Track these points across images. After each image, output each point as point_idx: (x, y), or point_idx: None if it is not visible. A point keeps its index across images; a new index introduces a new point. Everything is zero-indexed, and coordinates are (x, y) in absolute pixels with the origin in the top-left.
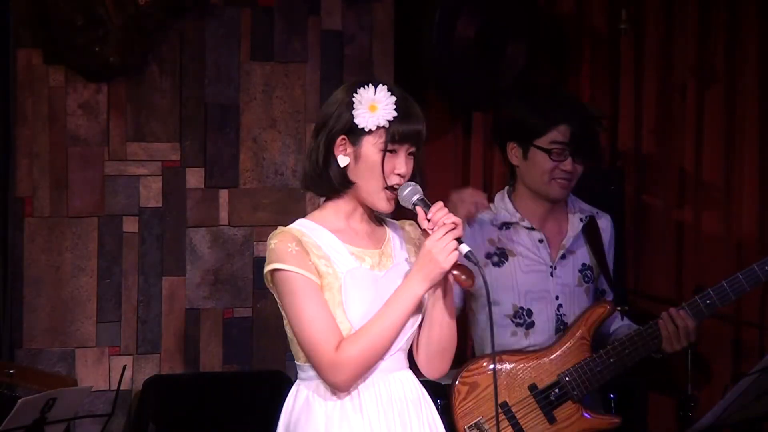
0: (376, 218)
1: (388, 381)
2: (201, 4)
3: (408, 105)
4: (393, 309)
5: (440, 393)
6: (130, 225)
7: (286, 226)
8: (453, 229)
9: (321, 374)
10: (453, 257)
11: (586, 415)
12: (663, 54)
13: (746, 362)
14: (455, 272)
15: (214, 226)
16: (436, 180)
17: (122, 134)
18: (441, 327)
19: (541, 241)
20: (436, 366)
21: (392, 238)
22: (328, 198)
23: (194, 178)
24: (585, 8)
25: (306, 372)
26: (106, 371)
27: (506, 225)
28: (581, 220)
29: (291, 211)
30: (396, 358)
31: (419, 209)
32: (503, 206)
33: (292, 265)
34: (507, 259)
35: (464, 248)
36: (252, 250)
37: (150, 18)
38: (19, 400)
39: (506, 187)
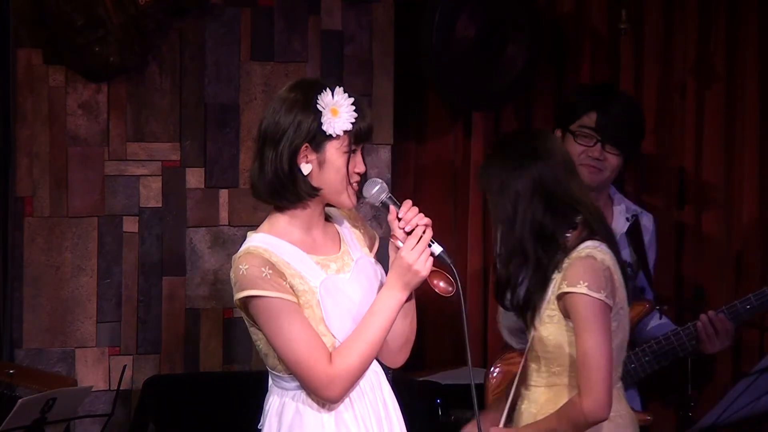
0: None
1: (370, 383)
2: (201, 4)
3: (360, 103)
4: (378, 318)
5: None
6: (130, 225)
7: (246, 246)
8: (424, 231)
9: (315, 391)
10: (430, 263)
11: None
12: (663, 54)
13: (746, 362)
14: (434, 281)
15: (214, 226)
16: (436, 180)
17: (122, 134)
18: (404, 320)
19: None
20: (400, 358)
21: (342, 233)
22: (281, 208)
23: (194, 178)
24: (585, 8)
25: (288, 383)
26: (106, 371)
27: None
28: (627, 219)
29: None
30: None
31: (392, 207)
32: None
33: (269, 290)
34: None
35: (437, 249)
36: None
37: (150, 18)
38: (19, 400)
39: None
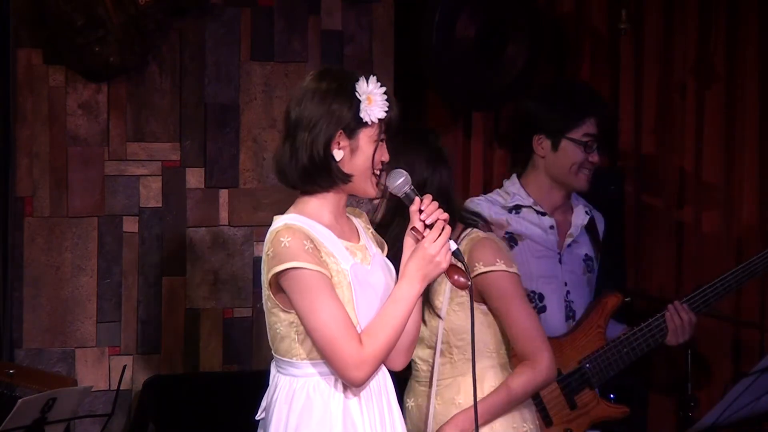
0: None
1: (376, 377)
2: (201, 4)
3: (389, 92)
4: (400, 306)
5: None
6: (130, 225)
7: (284, 221)
8: (443, 227)
9: (342, 371)
10: (449, 257)
11: (603, 401)
12: (663, 54)
13: (746, 362)
14: (453, 275)
15: (214, 226)
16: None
17: (122, 134)
18: (415, 317)
19: (552, 227)
20: (402, 360)
21: (359, 228)
22: (310, 192)
23: (194, 178)
24: (585, 8)
25: (300, 369)
26: (106, 371)
27: (517, 208)
28: (587, 212)
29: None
30: None
31: (416, 199)
32: (515, 190)
33: (312, 263)
34: (516, 244)
35: (452, 245)
36: (252, 250)
37: (150, 18)
38: (19, 400)
39: (513, 175)
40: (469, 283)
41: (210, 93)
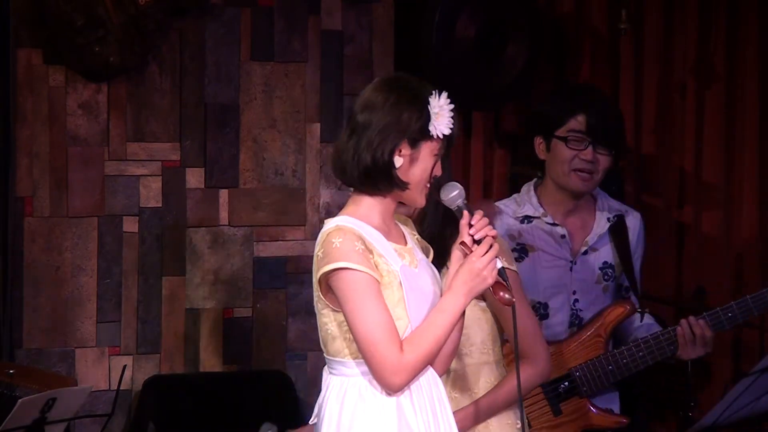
0: None
1: (427, 378)
2: (201, 4)
3: (454, 111)
4: (444, 316)
5: None
6: (130, 225)
7: (336, 223)
8: (491, 243)
9: (380, 375)
10: (495, 273)
11: (593, 410)
12: (663, 54)
13: (746, 362)
14: (498, 292)
15: (214, 226)
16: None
17: (122, 134)
18: (454, 333)
19: (563, 237)
20: (442, 367)
21: (405, 233)
22: (362, 192)
23: (194, 178)
24: (585, 8)
25: (352, 368)
26: (106, 371)
27: (528, 218)
28: (608, 220)
29: (291, 211)
30: None
31: (465, 212)
32: (528, 199)
33: (361, 264)
34: (527, 255)
35: (498, 263)
36: (252, 250)
37: (150, 18)
38: (19, 400)
39: (534, 180)
40: (513, 300)
41: (210, 93)
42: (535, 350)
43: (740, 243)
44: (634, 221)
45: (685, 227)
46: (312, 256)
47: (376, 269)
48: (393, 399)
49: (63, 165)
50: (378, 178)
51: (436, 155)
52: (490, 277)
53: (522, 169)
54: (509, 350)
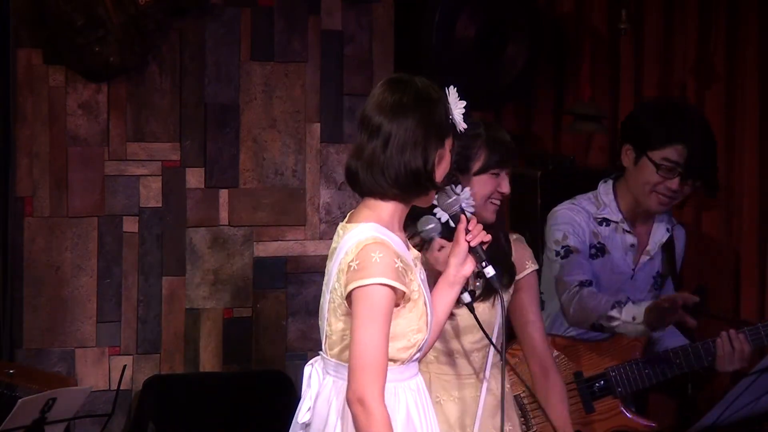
0: None
1: (421, 380)
2: (201, 4)
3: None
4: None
5: None
6: (130, 225)
7: (372, 234)
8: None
9: (348, 392)
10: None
11: (625, 413)
12: (663, 54)
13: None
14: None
15: (214, 226)
16: None
17: (122, 134)
18: (435, 336)
19: (632, 245)
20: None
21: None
22: (386, 198)
23: (194, 178)
24: (585, 8)
25: None
26: (106, 371)
27: (606, 222)
28: (668, 230)
29: (291, 211)
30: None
31: (463, 217)
32: (607, 202)
33: (398, 282)
34: (603, 255)
35: (490, 271)
36: (252, 250)
37: (150, 18)
38: (19, 400)
39: (611, 179)
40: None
41: (210, 93)
42: (551, 360)
43: (740, 243)
44: (680, 234)
45: (684, 227)
46: (313, 256)
47: (409, 287)
48: (404, 407)
49: (63, 165)
50: (421, 183)
51: (451, 151)
52: (459, 284)
53: (521, 169)
54: (527, 346)
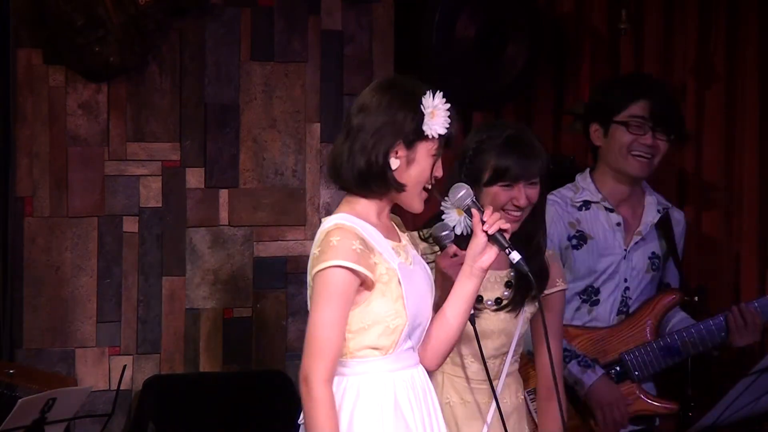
0: None
1: (419, 374)
2: (201, 4)
3: (451, 110)
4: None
5: None
6: (130, 225)
7: (335, 221)
8: (500, 231)
9: (301, 374)
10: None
11: (644, 397)
12: (663, 54)
13: (746, 362)
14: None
15: (214, 226)
16: (437, 179)
17: (122, 134)
18: (460, 328)
19: (618, 224)
20: (439, 361)
21: (398, 230)
22: (357, 194)
23: (194, 178)
24: (585, 8)
25: (350, 368)
26: (106, 371)
27: (586, 204)
28: (659, 211)
29: (291, 211)
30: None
31: (475, 211)
32: (585, 185)
33: (354, 262)
34: (586, 242)
35: (515, 256)
36: (252, 250)
37: (150, 18)
38: (19, 400)
39: (587, 169)
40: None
41: (210, 93)
42: (561, 384)
43: (740, 243)
44: (679, 216)
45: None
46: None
47: (373, 269)
48: (391, 397)
49: (63, 165)
50: (373, 181)
51: (433, 156)
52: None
53: None
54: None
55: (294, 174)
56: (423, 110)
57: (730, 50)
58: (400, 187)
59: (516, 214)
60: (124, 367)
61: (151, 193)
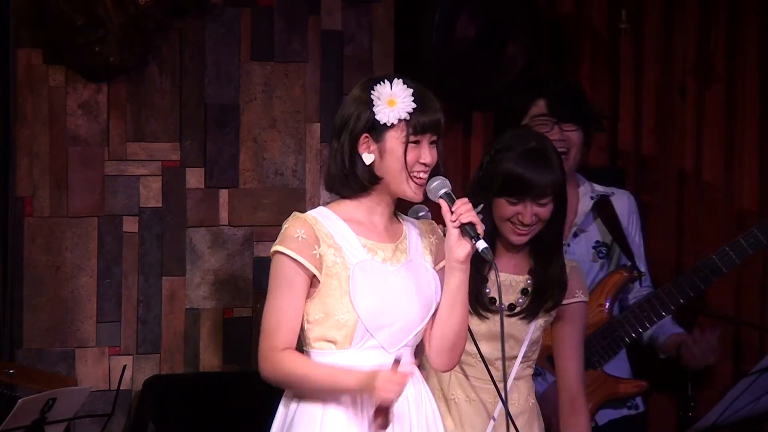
0: (396, 216)
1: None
2: (201, 4)
3: (424, 95)
4: (315, 380)
5: None
6: (130, 225)
7: (296, 212)
8: (469, 223)
9: (258, 359)
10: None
11: (609, 379)
12: (663, 54)
13: (746, 362)
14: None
15: (214, 226)
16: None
17: (122, 134)
18: (458, 324)
19: None
20: (446, 361)
21: (409, 235)
22: (346, 196)
23: (194, 178)
24: (585, 8)
25: (314, 357)
26: (106, 371)
27: None
28: (591, 198)
29: (291, 211)
30: (405, 353)
31: (443, 202)
32: None
33: (293, 251)
34: None
35: (481, 245)
36: (252, 250)
37: (150, 18)
38: (19, 400)
39: None
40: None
41: (210, 93)
42: (583, 398)
43: None
44: (621, 199)
45: (685, 227)
46: None
47: (316, 261)
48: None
49: (63, 165)
50: (347, 181)
51: (404, 142)
52: (381, 399)
53: None
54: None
55: (294, 174)
56: (375, 99)
57: (730, 50)
58: (375, 180)
59: (522, 229)
60: (124, 367)
61: (151, 193)
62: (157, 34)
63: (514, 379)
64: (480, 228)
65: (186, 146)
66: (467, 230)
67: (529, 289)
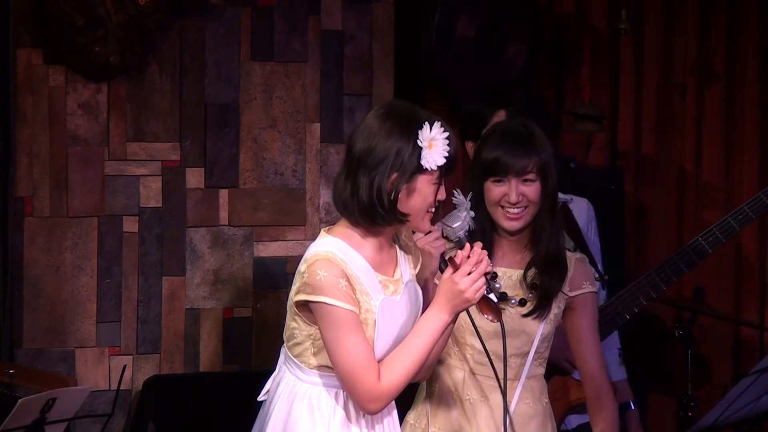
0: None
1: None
2: (201, 4)
3: (450, 135)
4: (423, 338)
5: None
6: (130, 225)
7: (327, 250)
8: (482, 260)
9: (359, 402)
10: (480, 293)
11: (575, 384)
12: (663, 54)
13: (746, 362)
14: (483, 310)
15: (214, 226)
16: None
17: (122, 134)
18: (437, 350)
19: None
20: (424, 374)
21: (399, 256)
22: (364, 226)
23: (194, 178)
24: (585, 8)
25: (309, 376)
26: (106, 371)
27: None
28: None
29: (291, 211)
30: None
31: (453, 250)
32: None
33: (343, 301)
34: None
35: (493, 297)
36: (252, 250)
37: (150, 18)
38: (19, 400)
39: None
40: (498, 320)
41: (210, 93)
42: (608, 390)
43: (740, 243)
44: (580, 206)
45: (685, 227)
46: None
47: (357, 303)
48: (338, 413)
49: (63, 165)
50: (378, 216)
51: (435, 184)
52: (474, 298)
53: None
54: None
55: (294, 174)
56: (420, 144)
57: (730, 50)
58: (403, 218)
59: (514, 212)
60: (124, 367)
61: (151, 193)
62: (157, 34)
63: (527, 378)
64: (490, 267)
65: (186, 146)
66: (488, 281)
67: (537, 282)
